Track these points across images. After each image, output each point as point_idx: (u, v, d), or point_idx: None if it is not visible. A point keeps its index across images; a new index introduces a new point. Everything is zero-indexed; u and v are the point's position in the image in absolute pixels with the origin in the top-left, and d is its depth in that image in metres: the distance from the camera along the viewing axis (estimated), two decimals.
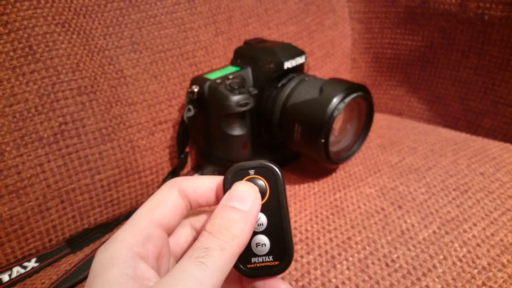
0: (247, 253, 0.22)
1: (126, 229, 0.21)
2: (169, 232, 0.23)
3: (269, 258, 0.22)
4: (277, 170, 0.23)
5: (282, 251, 0.22)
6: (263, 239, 0.22)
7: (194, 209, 0.25)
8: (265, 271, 0.22)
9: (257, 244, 0.22)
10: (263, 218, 0.23)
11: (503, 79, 0.56)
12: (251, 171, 0.23)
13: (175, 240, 0.24)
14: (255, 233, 0.22)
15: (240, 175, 0.23)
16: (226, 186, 0.23)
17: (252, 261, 0.22)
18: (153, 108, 0.48)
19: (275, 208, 0.23)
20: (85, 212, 0.45)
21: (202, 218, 0.25)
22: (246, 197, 0.21)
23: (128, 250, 0.20)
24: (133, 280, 0.18)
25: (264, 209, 0.22)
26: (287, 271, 0.33)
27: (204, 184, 0.24)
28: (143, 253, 0.20)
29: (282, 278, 0.32)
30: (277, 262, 0.22)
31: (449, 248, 0.34)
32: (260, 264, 0.22)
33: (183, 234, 0.25)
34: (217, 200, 0.25)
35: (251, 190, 0.22)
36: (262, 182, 0.23)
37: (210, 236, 0.20)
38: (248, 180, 0.23)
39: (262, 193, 0.22)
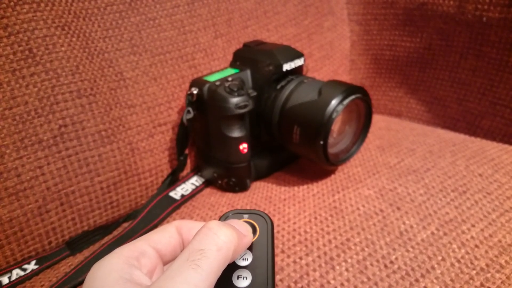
0: (227, 284, 0.22)
1: (122, 246, 0.22)
2: (164, 261, 0.24)
3: None
4: (268, 218, 0.25)
5: None
6: (246, 273, 0.23)
7: None
8: None
9: (238, 276, 0.23)
10: (248, 255, 0.24)
11: (502, 80, 0.56)
12: (245, 216, 0.25)
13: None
14: (238, 267, 0.23)
15: (235, 218, 0.25)
16: None
17: None
18: (153, 110, 0.49)
19: (262, 249, 0.24)
20: (85, 214, 0.45)
21: None
22: (244, 227, 0.23)
23: (125, 259, 0.20)
24: (130, 282, 0.19)
25: (251, 247, 0.24)
26: (284, 274, 0.33)
27: (199, 227, 0.25)
28: (137, 266, 0.21)
29: (281, 280, 0.33)
30: None
31: (447, 249, 0.34)
32: None
33: None
34: None
35: (248, 225, 0.24)
36: (254, 224, 0.25)
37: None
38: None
39: (253, 233, 0.24)
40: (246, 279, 0.22)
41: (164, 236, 0.23)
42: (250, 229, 0.24)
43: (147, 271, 0.21)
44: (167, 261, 0.24)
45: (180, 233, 0.24)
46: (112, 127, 0.45)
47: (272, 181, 0.49)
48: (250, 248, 0.24)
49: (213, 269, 0.19)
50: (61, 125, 0.42)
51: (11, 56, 0.38)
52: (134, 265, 0.21)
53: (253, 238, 0.24)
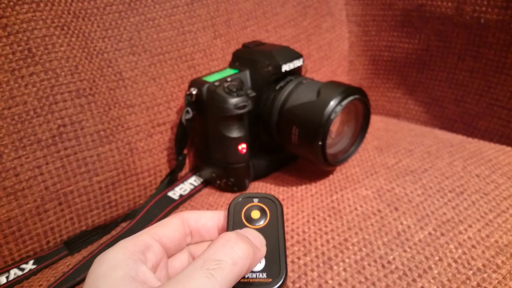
0: None
1: (127, 239, 0.22)
2: (169, 254, 0.24)
3: (262, 275, 0.23)
4: (278, 201, 0.26)
5: (276, 271, 0.23)
6: None
7: (196, 242, 0.26)
8: (257, 287, 0.23)
9: None
10: None
11: (499, 81, 0.56)
12: (255, 200, 0.26)
13: (171, 263, 0.25)
14: None
15: (245, 202, 0.26)
16: (231, 211, 0.25)
17: (246, 276, 0.22)
18: (152, 110, 0.49)
19: (273, 232, 0.25)
20: (83, 214, 0.45)
21: (201, 246, 0.26)
22: (258, 239, 0.23)
23: (130, 254, 0.20)
24: (136, 281, 0.19)
25: (263, 231, 0.24)
26: None
27: (205, 216, 0.25)
28: (143, 260, 0.21)
29: None
30: (270, 280, 0.23)
31: (444, 250, 0.34)
32: (253, 280, 0.23)
33: (180, 258, 0.25)
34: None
35: (262, 238, 0.24)
36: (264, 208, 0.26)
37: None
38: (252, 206, 0.26)
39: (264, 217, 0.25)
40: (260, 263, 0.23)
41: (168, 230, 0.23)
42: (264, 242, 0.23)
43: (152, 265, 0.21)
44: (171, 254, 0.24)
45: (187, 224, 0.24)
46: (111, 127, 0.45)
47: (270, 182, 0.49)
48: (262, 231, 0.24)
49: (226, 282, 0.19)
50: (60, 125, 0.42)
51: (10, 56, 0.38)
52: (140, 259, 0.20)
53: (264, 222, 0.25)
